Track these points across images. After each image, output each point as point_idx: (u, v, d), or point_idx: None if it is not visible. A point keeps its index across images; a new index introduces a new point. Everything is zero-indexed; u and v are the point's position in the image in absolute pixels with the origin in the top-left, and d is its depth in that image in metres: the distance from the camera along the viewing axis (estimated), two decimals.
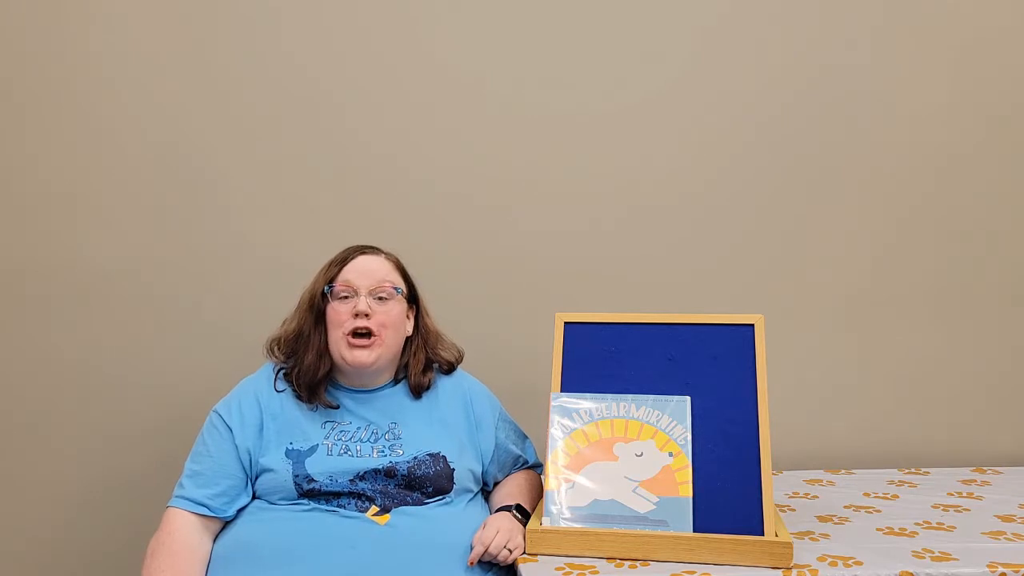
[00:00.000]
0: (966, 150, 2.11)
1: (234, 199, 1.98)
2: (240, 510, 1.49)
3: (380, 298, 1.56)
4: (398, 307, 1.59)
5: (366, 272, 1.57)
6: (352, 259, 1.60)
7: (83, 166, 1.95)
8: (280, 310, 1.67)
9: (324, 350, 1.57)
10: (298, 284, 1.65)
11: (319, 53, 1.98)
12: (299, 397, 1.57)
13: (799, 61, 2.07)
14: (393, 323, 1.57)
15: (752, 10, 2.05)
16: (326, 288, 1.57)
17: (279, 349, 1.62)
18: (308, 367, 1.56)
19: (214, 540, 1.48)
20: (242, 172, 1.98)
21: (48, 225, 1.95)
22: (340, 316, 1.55)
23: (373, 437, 1.54)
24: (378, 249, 1.64)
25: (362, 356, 1.53)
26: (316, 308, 1.58)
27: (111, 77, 1.95)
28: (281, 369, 1.61)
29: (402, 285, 1.61)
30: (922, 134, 2.10)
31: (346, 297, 1.56)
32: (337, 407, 1.56)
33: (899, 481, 1.92)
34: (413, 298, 1.66)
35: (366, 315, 1.53)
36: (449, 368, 1.68)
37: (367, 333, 1.54)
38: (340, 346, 1.54)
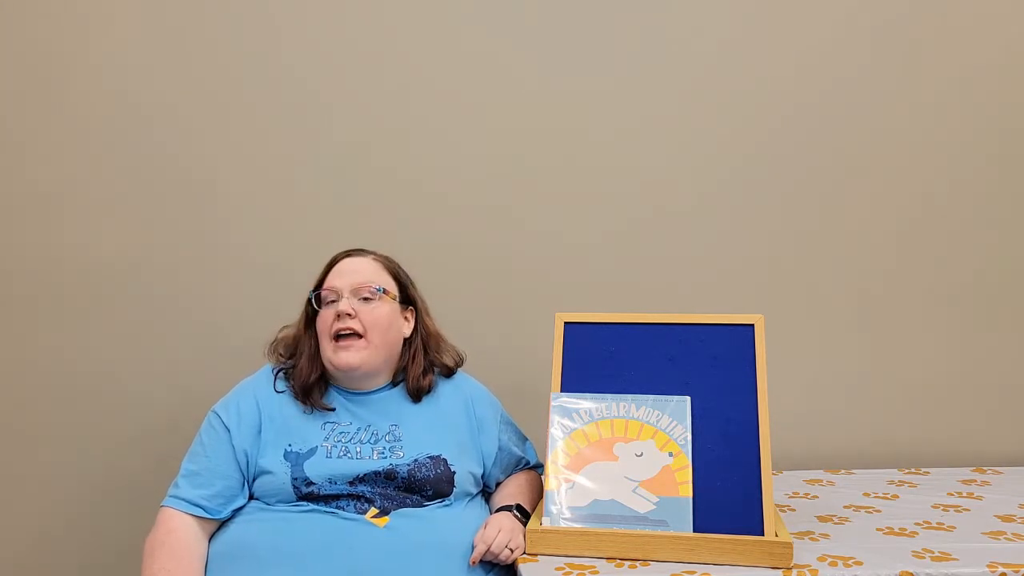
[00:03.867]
0: (971, 154, 2.10)
1: (234, 200, 1.98)
2: (236, 511, 1.49)
3: (364, 298, 1.55)
4: (385, 307, 1.57)
5: (348, 273, 1.57)
6: (337, 263, 1.60)
7: (80, 167, 1.95)
8: (278, 311, 1.67)
9: (315, 355, 1.57)
10: (296, 285, 1.65)
11: (317, 54, 1.98)
12: (297, 398, 1.57)
13: (805, 63, 2.07)
14: (379, 323, 1.55)
15: (761, 16, 2.05)
16: (312, 295, 1.58)
17: (281, 352, 1.63)
18: (300, 371, 1.56)
19: (209, 540, 1.47)
20: (241, 173, 1.98)
21: (46, 225, 1.95)
22: (326, 322, 1.55)
23: (373, 439, 1.53)
24: (365, 251, 1.63)
25: (347, 357, 1.52)
26: (309, 314, 1.59)
27: (106, 78, 1.94)
28: (281, 370, 1.61)
29: (388, 285, 1.59)
30: (929, 136, 2.09)
31: (333, 301, 1.56)
32: (332, 409, 1.56)
33: (899, 481, 1.92)
34: (409, 299, 1.65)
35: (348, 315, 1.52)
36: (449, 372, 1.68)
37: (351, 333, 1.53)
38: (327, 350, 1.54)
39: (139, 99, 1.95)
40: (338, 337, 1.53)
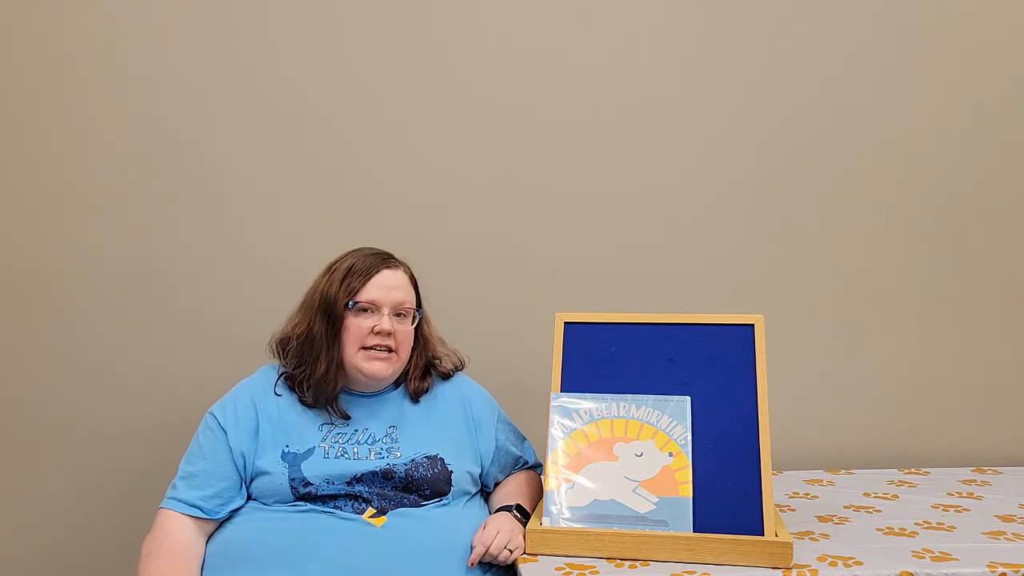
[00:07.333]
0: (961, 151, 2.11)
1: (234, 199, 1.98)
2: (234, 511, 1.48)
3: (399, 314, 1.57)
4: (412, 324, 1.60)
5: (389, 289, 1.56)
6: (376, 273, 1.57)
7: (83, 166, 1.95)
8: (279, 310, 1.66)
9: (339, 362, 1.55)
10: (297, 284, 1.64)
11: (321, 52, 1.98)
12: (301, 401, 1.56)
13: (798, 63, 2.07)
14: (408, 340, 1.59)
15: (765, 19, 2.05)
16: (351, 303, 1.55)
17: (286, 351, 1.61)
18: (320, 380, 1.54)
19: (207, 541, 1.47)
20: (242, 172, 1.98)
21: (47, 224, 1.94)
22: (361, 331, 1.54)
23: (371, 439, 1.53)
24: (396, 261, 1.62)
25: (381, 368, 1.54)
26: (332, 316, 1.55)
27: (115, 76, 1.94)
28: (284, 373, 1.59)
29: (414, 302, 1.61)
30: (920, 135, 2.10)
31: (367, 311, 1.55)
32: (350, 418, 1.56)
33: (899, 481, 1.92)
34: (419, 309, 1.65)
35: (388, 334, 1.54)
36: (446, 376, 1.68)
37: (386, 348, 1.54)
38: (358, 358, 1.54)
39: (145, 99, 1.95)
40: (370, 347, 1.54)
